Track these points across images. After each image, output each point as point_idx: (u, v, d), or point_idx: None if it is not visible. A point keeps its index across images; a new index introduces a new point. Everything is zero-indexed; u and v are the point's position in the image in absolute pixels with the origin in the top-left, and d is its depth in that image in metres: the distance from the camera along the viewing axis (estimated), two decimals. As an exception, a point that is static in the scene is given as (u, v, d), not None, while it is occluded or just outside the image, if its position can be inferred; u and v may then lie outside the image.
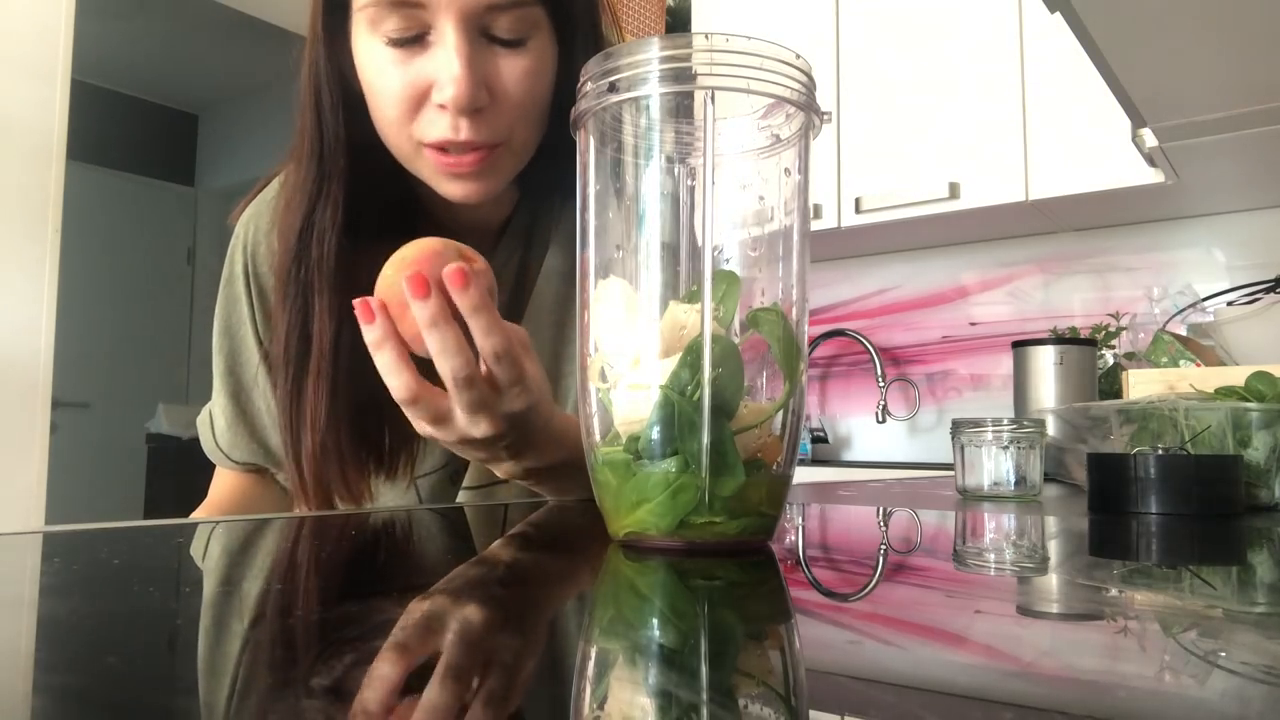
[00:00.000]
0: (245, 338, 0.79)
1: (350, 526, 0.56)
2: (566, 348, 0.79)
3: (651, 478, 0.41)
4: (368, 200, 0.71)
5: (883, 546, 0.54)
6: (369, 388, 0.68)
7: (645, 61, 0.43)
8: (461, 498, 0.79)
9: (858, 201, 2.23)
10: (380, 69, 0.64)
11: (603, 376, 0.44)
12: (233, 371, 0.79)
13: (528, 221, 0.81)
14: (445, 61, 0.62)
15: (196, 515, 0.84)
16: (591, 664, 0.25)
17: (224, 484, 0.87)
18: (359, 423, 0.70)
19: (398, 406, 0.68)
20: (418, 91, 0.64)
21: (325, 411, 0.68)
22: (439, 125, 0.64)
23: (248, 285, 0.78)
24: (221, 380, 0.80)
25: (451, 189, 0.67)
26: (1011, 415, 1.13)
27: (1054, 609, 0.36)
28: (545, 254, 0.79)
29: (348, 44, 0.67)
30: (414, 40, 0.63)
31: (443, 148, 0.65)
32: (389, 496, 0.77)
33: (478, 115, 0.64)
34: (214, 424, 0.82)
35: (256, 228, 0.78)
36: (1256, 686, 0.24)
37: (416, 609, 0.31)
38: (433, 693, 0.22)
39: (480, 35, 0.63)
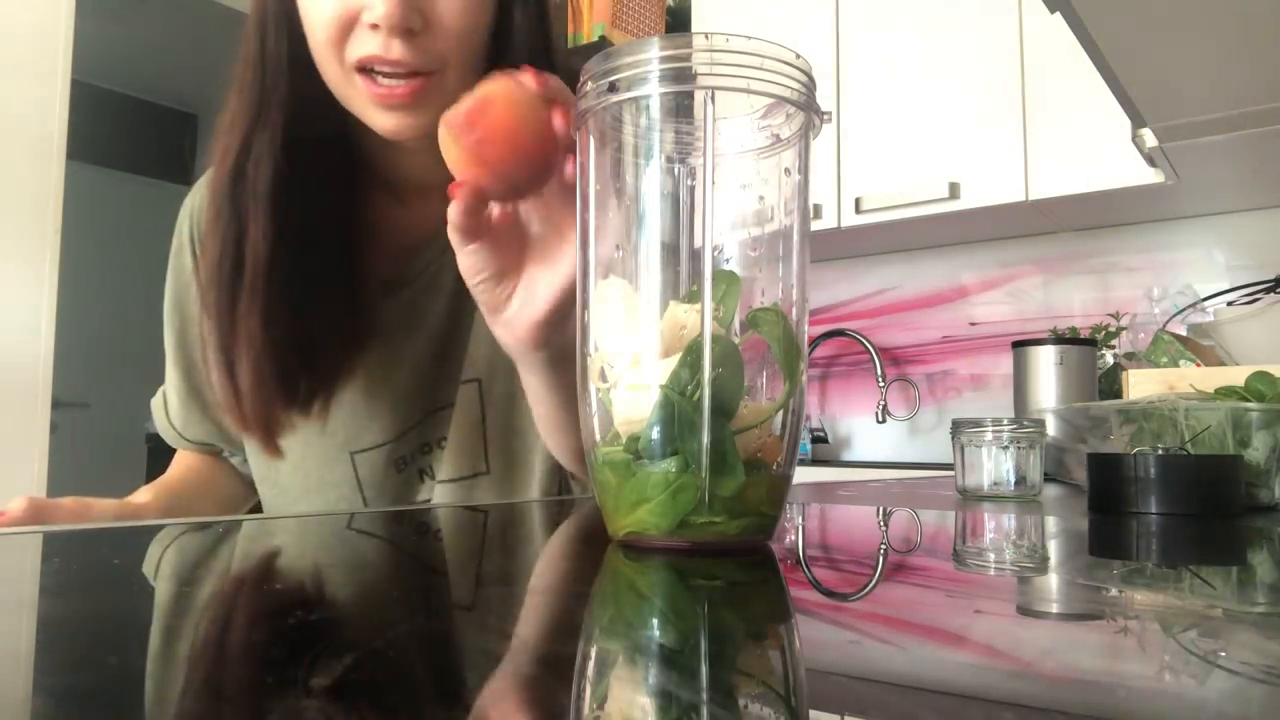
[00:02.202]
0: (195, 310, 0.78)
1: (351, 527, 0.56)
2: None
3: (651, 478, 0.41)
4: (308, 133, 0.70)
5: (883, 546, 0.54)
6: (293, 320, 0.69)
7: (645, 61, 0.43)
8: (438, 493, 0.78)
9: (858, 201, 2.23)
10: None
11: (603, 376, 0.44)
12: (183, 345, 0.79)
13: None
14: None
15: (143, 491, 0.83)
16: (591, 664, 0.25)
17: (178, 464, 0.86)
18: (283, 351, 0.69)
19: (318, 349, 0.69)
20: (349, 15, 0.63)
21: (260, 324, 0.68)
22: (370, 43, 0.63)
23: (194, 254, 0.78)
24: (173, 355, 0.80)
25: (381, 120, 0.66)
26: (1011, 415, 1.13)
27: (1054, 609, 0.36)
28: None
29: None
30: None
31: (373, 75, 0.64)
32: (319, 465, 0.76)
33: (411, 38, 0.63)
34: (167, 403, 0.82)
35: (203, 195, 0.77)
36: (1256, 686, 0.24)
37: (417, 609, 0.31)
38: (432, 693, 0.22)
39: None
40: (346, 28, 0.63)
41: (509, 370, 0.76)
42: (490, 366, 0.77)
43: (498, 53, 0.69)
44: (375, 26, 0.62)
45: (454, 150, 0.52)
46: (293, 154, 0.69)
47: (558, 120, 0.51)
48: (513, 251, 0.57)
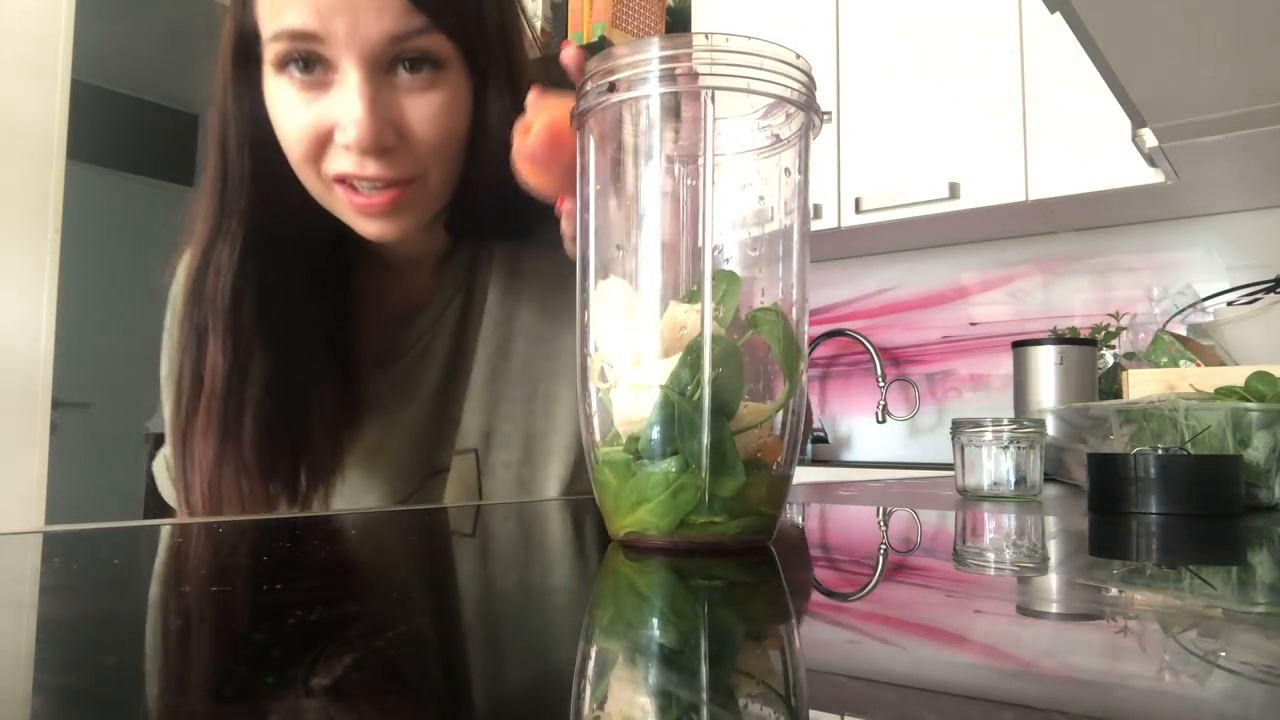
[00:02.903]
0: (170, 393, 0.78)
1: (351, 527, 0.56)
2: (506, 401, 0.76)
3: (651, 478, 0.41)
4: (278, 238, 0.69)
5: (883, 546, 0.54)
6: (280, 423, 0.69)
7: (645, 61, 0.43)
8: None
9: (858, 201, 2.23)
10: (285, 109, 0.64)
11: (603, 376, 0.44)
12: None
13: (470, 256, 0.78)
14: (347, 102, 0.61)
15: None
16: (591, 664, 0.25)
17: None
18: (265, 458, 0.69)
19: (315, 444, 0.69)
20: (321, 133, 0.63)
21: (214, 450, 0.68)
22: (345, 161, 0.63)
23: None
24: (169, 421, 0.79)
25: (365, 227, 0.66)
26: (1011, 415, 1.13)
27: (1054, 609, 0.36)
28: (486, 300, 0.77)
29: (261, 81, 0.66)
30: (318, 79, 0.63)
31: (353, 185, 0.64)
32: None
33: (386, 154, 0.63)
34: (169, 464, 0.81)
35: (175, 289, 0.78)
36: (1256, 686, 0.24)
37: (416, 608, 0.31)
38: (432, 692, 0.22)
39: (385, 73, 0.63)
40: (321, 144, 0.63)
41: (506, 440, 0.76)
42: (486, 437, 0.76)
43: (475, 147, 0.69)
44: (348, 147, 0.62)
45: (542, 180, 0.57)
46: (257, 264, 0.69)
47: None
48: None
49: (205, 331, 0.69)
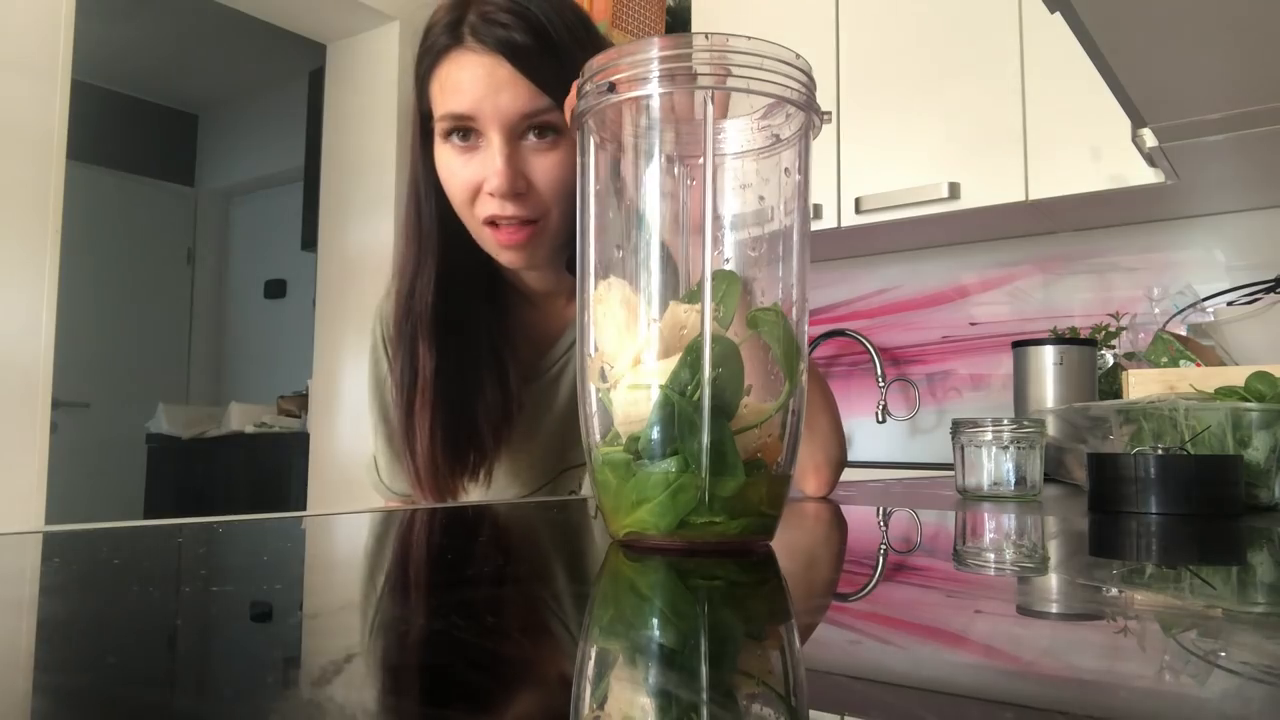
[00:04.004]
0: (390, 392, 0.98)
1: (355, 526, 0.56)
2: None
3: (651, 478, 0.41)
4: (459, 270, 0.89)
5: (883, 546, 0.54)
6: (460, 412, 0.90)
7: (645, 61, 0.43)
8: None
9: (858, 201, 2.23)
10: (449, 168, 0.83)
11: (603, 376, 0.44)
12: (385, 420, 0.98)
13: None
14: (491, 160, 0.81)
15: None
16: (591, 664, 0.25)
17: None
18: (453, 436, 0.89)
19: (480, 431, 0.90)
20: (473, 185, 0.82)
21: (430, 423, 0.87)
22: (491, 206, 0.82)
23: (385, 351, 0.99)
24: (376, 428, 1.00)
25: (504, 256, 0.85)
26: (1011, 415, 1.13)
27: (1054, 609, 0.36)
28: None
29: (432, 149, 0.86)
30: (471, 145, 0.82)
31: (497, 224, 0.83)
32: (472, 495, 0.95)
33: (519, 198, 0.81)
34: (377, 464, 1.02)
35: (387, 310, 0.99)
36: (1256, 686, 0.24)
37: (415, 609, 0.31)
38: (430, 691, 0.22)
39: (519, 138, 0.82)
40: (474, 194, 0.83)
41: None
42: None
43: None
44: (492, 194, 0.81)
45: None
46: (447, 288, 0.89)
47: None
48: None
49: (416, 340, 0.89)
